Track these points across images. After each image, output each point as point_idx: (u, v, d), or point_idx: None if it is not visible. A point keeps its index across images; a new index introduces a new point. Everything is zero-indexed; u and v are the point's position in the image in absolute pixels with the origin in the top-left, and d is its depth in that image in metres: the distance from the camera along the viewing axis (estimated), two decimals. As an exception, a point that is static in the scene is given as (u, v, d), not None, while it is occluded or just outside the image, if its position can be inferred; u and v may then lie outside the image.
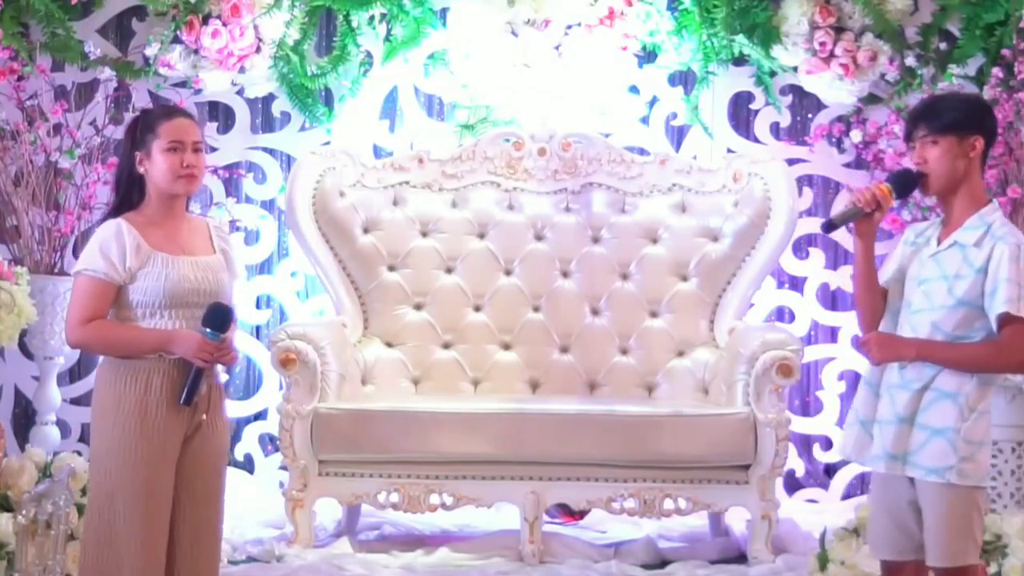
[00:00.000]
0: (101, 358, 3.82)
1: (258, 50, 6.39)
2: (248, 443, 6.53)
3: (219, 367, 3.80)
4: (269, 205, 6.60)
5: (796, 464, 6.48)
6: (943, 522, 3.56)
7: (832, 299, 6.66)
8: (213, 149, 6.55)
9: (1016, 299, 3.53)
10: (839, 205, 3.57)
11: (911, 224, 3.81)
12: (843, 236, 6.61)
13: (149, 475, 3.65)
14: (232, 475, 6.39)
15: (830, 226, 3.76)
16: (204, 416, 3.77)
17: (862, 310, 3.77)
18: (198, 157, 3.78)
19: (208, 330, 3.68)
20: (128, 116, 3.82)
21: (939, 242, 3.66)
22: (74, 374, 6.51)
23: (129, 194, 3.80)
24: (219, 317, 3.70)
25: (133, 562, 3.63)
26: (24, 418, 6.39)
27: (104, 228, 3.77)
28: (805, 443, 6.56)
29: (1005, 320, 3.52)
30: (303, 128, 6.59)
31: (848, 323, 6.61)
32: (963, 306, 3.58)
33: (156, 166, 3.75)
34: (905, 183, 3.68)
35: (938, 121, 3.65)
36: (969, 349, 3.58)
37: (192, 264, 3.76)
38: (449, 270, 6.11)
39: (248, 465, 6.53)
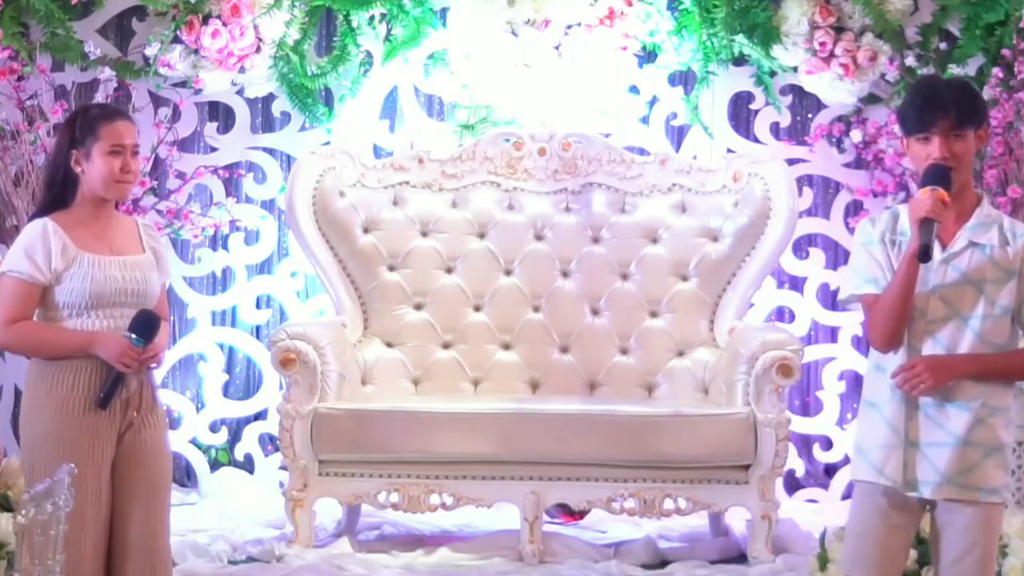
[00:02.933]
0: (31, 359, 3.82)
1: (258, 50, 6.39)
2: (248, 443, 6.53)
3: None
4: (269, 205, 6.60)
5: (796, 464, 6.48)
6: (991, 545, 3.42)
7: (832, 299, 6.65)
8: (213, 149, 6.57)
9: None
10: (910, 229, 3.19)
11: (871, 220, 3.53)
12: (843, 236, 6.61)
13: (79, 476, 3.58)
14: (232, 475, 6.49)
15: (927, 253, 3.32)
16: (135, 413, 3.76)
17: (896, 325, 3.39)
18: (136, 162, 3.77)
19: (133, 336, 3.67)
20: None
21: (943, 242, 3.41)
22: (74, 374, 6.51)
23: (62, 193, 3.76)
24: (145, 324, 3.70)
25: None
26: (24, 418, 6.38)
27: (30, 228, 3.74)
28: (805, 443, 6.56)
29: None
30: (303, 128, 6.59)
31: (848, 323, 6.61)
32: (1007, 313, 3.39)
33: (95, 168, 3.72)
34: (945, 179, 3.36)
35: (964, 112, 3.40)
36: (1017, 358, 3.41)
37: (120, 264, 3.75)
38: (449, 270, 6.11)
39: (248, 465, 6.53)
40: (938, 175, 3.37)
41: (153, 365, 3.79)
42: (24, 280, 3.70)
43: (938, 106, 3.40)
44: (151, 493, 3.79)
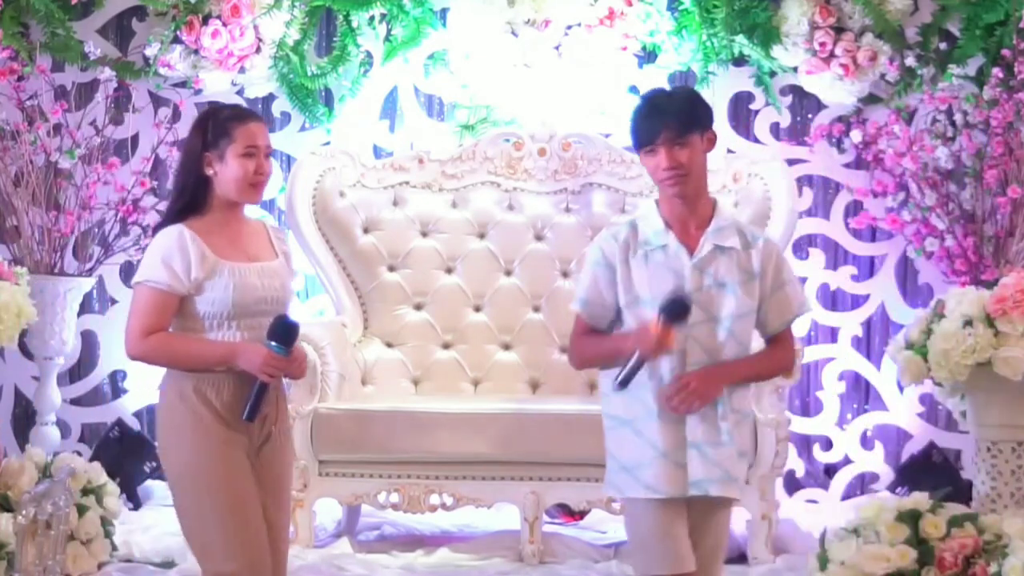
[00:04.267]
0: (164, 373, 3.67)
1: (258, 50, 6.39)
2: (248, 443, 6.52)
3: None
4: (269, 205, 6.60)
5: (796, 464, 6.47)
6: (726, 536, 3.67)
7: (832, 299, 6.65)
8: (213, 149, 6.56)
9: (804, 299, 3.66)
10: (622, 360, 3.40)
11: (612, 235, 3.59)
12: (843, 236, 6.62)
13: (235, 489, 3.54)
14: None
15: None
16: (273, 427, 3.66)
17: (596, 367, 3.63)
18: (269, 163, 3.65)
19: (274, 344, 3.53)
20: (196, 113, 3.70)
21: (689, 247, 3.52)
22: (74, 374, 6.52)
23: (194, 198, 3.61)
24: (285, 331, 3.55)
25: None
26: (24, 418, 6.39)
27: (165, 236, 3.59)
28: (805, 443, 6.56)
29: (790, 321, 3.62)
30: (303, 128, 6.59)
31: (848, 323, 6.61)
32: (753, 312, 3.55)
33: (229, 170, 3.58)
34: (679, 311, 3.42)
35: (684, 120, 3.51)
36: (765, 360, 3.63)
37: (258, 271, 3.62)
38: (449, 270, 6.12)
39: (248, 465, 6.52)
40: (677, 311, 3.43)
41: (299, 374, 3.65)
42: (162, 290, 3.54)
43: (659, 118, 3.51)
44: (271, 521, 3.65)
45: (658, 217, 3.57)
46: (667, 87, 6.57)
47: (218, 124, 3.61)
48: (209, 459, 3.54)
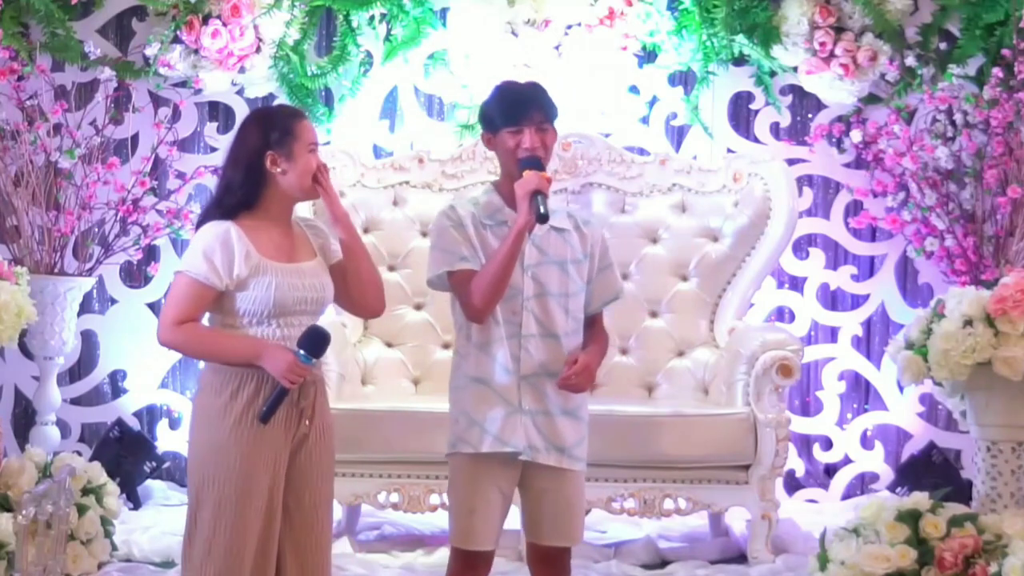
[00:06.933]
0: (202, 363, 3.72)
1: (258, 50, 6.39)
2: (248, 443, 6.52)
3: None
4: (269, 205, 6.60)
5: (796, 464, 6.48)
6: (580, 505, 3.84)
7: (832, 299, 6.66)
8: (213, 149, 6.57)
9: (621, 286, 3.94)
10: (519, 204, 3.54)
11: (455, 206, 3.83)
12: (843, 236, 6.62)
13: (247, 485, 3.55)
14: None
15: (547, 217, 3.67)
16: (308, 423, 3.68)
17: (498, 296, 3.72)
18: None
19: (302, 352, 3.55)
20: (248, 114, 3.70)
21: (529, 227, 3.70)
22: (74, 374, 6.52)
23: (247, 196, 3.63)
24: (316, 341, 3.59)
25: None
26: (24, 418, 6.39)
27: (211, 229, 3.61)
28: (805, 443, 6.57)
29: (609, 302, 3.89)
30: (303, 128, 6.58)
31: (848, 323, 6.61)
32: (582, 292, 3.80)
33: (298, 166, 3.63)
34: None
35: (551, 109, 3.78)
36: (604, 344, 3.88)
37: (298, 271, 3.65)
38: (449, 270, 6.11)
39: (248, 465, 6.52)
40: (535, 163, 3.72)
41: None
42: (200, 282, 3.56)
43: (530, 102, 3.77)
44: (307, 520, 3.69)
45: (498, 196, 3.82)
46: (669, 86, 6.59)
47: (279, 122, 3.66)
48: (230, 454, 3.55)
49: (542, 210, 3.66)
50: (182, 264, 3.63)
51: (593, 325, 3.87)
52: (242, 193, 3.64)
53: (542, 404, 3.74)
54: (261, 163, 3.63)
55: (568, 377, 3.70)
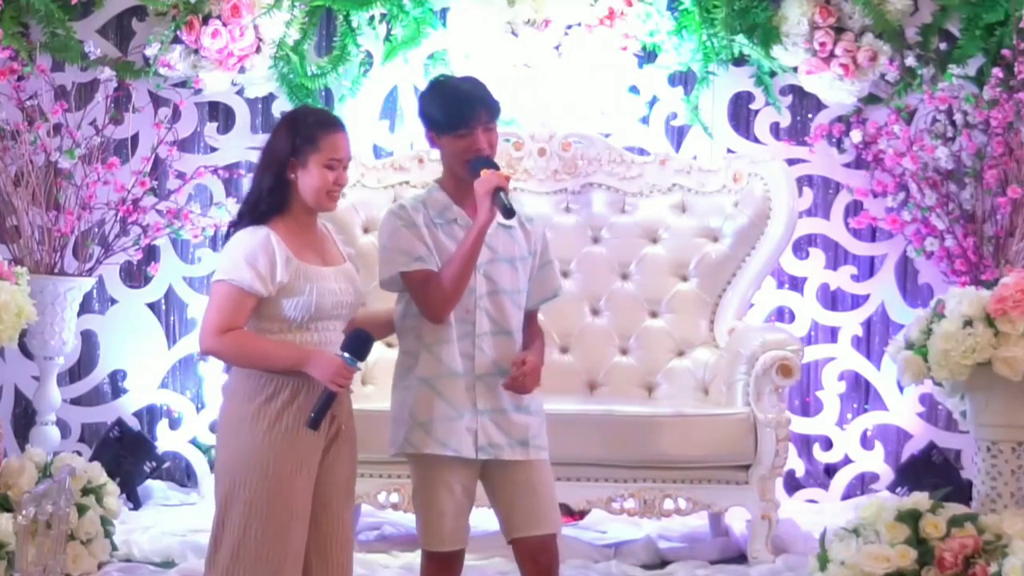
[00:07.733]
0: (232, 368, 3.68)
1: (258, 50, 6.39)
2: (248, 443, 6.52)
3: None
4: (269, 205, 6.60)
5: (796, 464, 6.48)
6: (551, 492, 3.84)
7: (832, 299, 6.66)
8: (213, 149, 6.56)
9: (560, 284, 3.98)
10: (480, 202, 3.69)
11: (404, 206, 3.79)
12: (843, 236, 6.62)
13: (280, 488, 3.53)
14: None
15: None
16: (342, 425, 3.70)
17: (459, 295, 3.72)
18: (346, 175, 3.67)
19: (347, 355, 3.55)
20: (282, 114, 3.66)
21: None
22: (74, 374, 6.52)
23: (279, 200, 3.60)
24: (360, 344, 3.58)
25: None
26: (24, 418, 6.39)
27: (249, 236, 3.57)
28: (805, 443, 6.57)
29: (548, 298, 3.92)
30: (303, 128, 6.58)
31: (848, 323, 6.61)
32: (527, 287, 3.83)
33: (309, 178, 3.59)
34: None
35: (495, 107, 3.79)
36: (543, 336, 3.92)
37: (335, 276, 3.64)
38: (449, 270, 6.11)
39: (248, 465, 6.52)
40: (487, 161, 3.72)
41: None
42: (243, 289, 3.52)
43: (476, 103, 3.75)
44: (332, 520, 3.68)
45: (444, 194, 3.80)
46: (669, 86, 6.59)
47: (306, 130, 3.61)
48: (260, 458, 3.53)
49: (509, 205, 3.67)
50: (222, 272, 3.57)
51: (531, 323, 3.88)
52: (273, 198, 3.61)
53: (497, 402, 3.74)
54: (285, 168, 3.61)
55: (516, 378, 3.70)
